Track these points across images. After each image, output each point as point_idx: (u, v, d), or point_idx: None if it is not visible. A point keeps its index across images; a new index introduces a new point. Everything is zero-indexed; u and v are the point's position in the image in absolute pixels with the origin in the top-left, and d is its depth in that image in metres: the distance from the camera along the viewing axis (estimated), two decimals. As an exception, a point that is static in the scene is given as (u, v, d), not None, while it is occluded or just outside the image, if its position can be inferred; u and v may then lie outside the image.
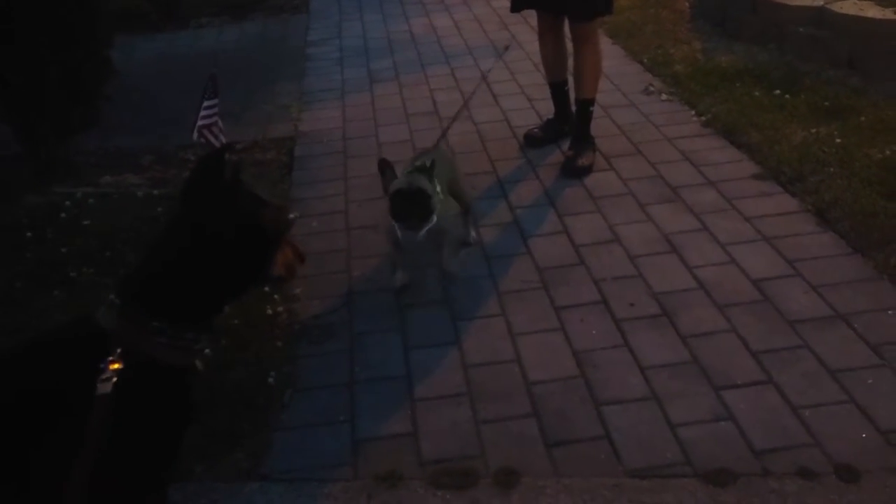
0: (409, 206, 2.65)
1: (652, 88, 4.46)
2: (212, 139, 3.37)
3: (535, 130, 3.97)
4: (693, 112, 4.12)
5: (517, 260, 3.02)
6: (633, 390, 2.35)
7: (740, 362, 2.42)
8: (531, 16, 5.90)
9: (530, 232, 3.20)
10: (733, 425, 2.20)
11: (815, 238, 2.99)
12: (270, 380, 2.44)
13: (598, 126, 3.95)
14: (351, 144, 4.12)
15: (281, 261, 1.60)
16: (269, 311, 2.73)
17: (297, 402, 2.40)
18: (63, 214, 3.41)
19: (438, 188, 2.75)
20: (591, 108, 3.74)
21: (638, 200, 3.36)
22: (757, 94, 4.17)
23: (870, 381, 2.29)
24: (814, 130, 3.73)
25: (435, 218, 2.69)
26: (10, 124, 3.82)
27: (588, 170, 3.61)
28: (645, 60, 4.85)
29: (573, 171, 3.59)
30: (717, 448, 2.13)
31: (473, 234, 3.17)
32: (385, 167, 2.72)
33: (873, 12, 4.35)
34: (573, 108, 3.82)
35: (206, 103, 3.30)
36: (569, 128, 3.87)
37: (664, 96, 4.36)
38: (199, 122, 3.30)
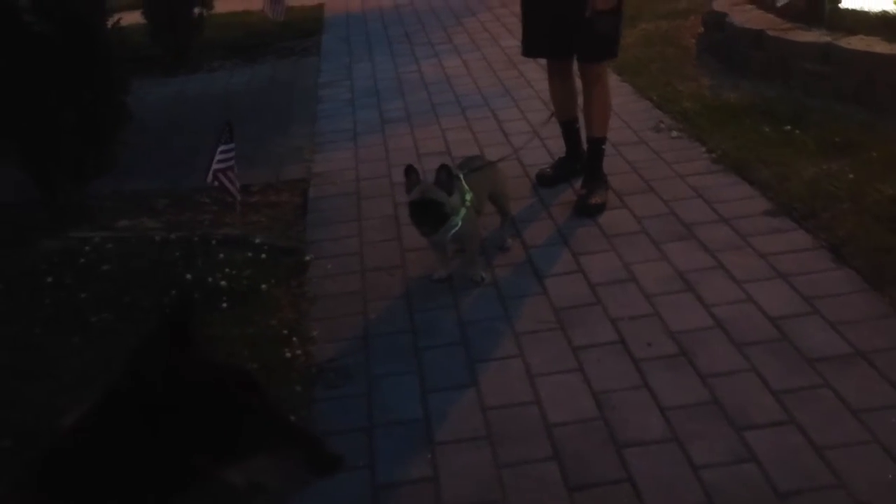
0: (423, 215, 2.98)
1: (662, 125, 4.50)
2: (226, 183, 3.42)
3: (547, 170, 4.00)
4: (703, 149, 4.15)
5: (533, 300, 3.02)
6: (654, 432, 2.33)
7: (761, 402, 2.41)
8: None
9: (545, 272, 3.20)
10: (756, 467, 2.18)
11: (831, 275, 2.98)
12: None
13: (610, 163, 3.99)
14: (364, 185, 4.15)
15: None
16: (287, 355, 2.74)
17: (316, 447, 2.39)
18: (81, 259, 3.43)
19: (469, 196, 3.05)
20: (603, 147, 3.78)
21: (652, 238, 3.37)
22: (766, 129, 4.20)
23: (893, 420, 2.28)
24: (825, 166, 3.74)
25: (455, 222, 3.00)
26: (27, 170, 3.88)
27: (601, 208, 3.63)
28: (654, 97, 4.90)
29: (586, 210, 3.61)
30: (740, 491, 2.11)
31: (509, 240, 3.41)
32: (410, 172, 3.01)
33: (881, 48, 4.38)
34: (584, 146, 3.86)
35: (221, 148, 3.36)
36: (580, 166, 3.91)
37: (674, 133, 4.39)
38: (214, 167, 3.35)
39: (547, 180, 3.94)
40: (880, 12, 4.69)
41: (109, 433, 1.07)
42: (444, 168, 2.99)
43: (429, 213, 2.96)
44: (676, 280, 3.06)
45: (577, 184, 3.83)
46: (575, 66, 3.79)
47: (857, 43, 4.49)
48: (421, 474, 2.27)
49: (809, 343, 2.63)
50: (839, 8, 4.91)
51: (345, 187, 4.15)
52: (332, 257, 3.46)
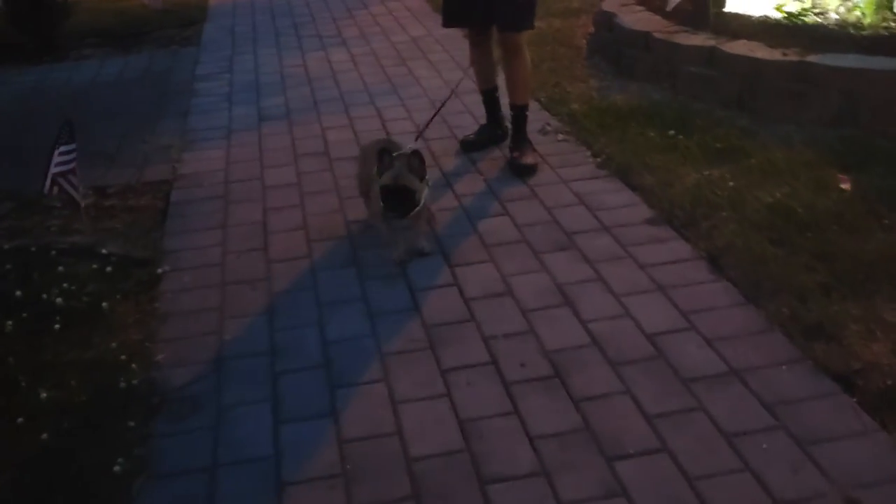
0: (395, 200, 3.00)
1: (548, 128, 4.38)
2: (67, 187, 3.08)
3: (471, 136, 4.18)
4: (589, 153, 4.04)
5: (403, 317, 2.83)
6: (521, 465, 2.17)
7: (634, 427, 2.28)
8: (430, 51, 5.84)
9: (419, 285, 3.01)
10: (625, 502, 2.05)
11: (709, 287, 2.91)
12: (117, 468, 2.15)
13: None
14: (233, 188, 3.86)
15: None
16: (123, 384, 2.45)
17: (149, 492, 2.13)
18: None
19: (428, 175, 3.09)
20: (527, 113, 3.97)
21: (532, 248, 3.22)
22: (651, 134, 4.13)
23: (764, 446, 2.19)
24: (706, 172, 3.69)
25: (420, 206, 3.05)
26: None
27: (535, 169, 3.84)
28: (542, 98, 4.78)
29: (520, 171, 3.82)
30: (608, 528, 1.98)
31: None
32: (384, 155, 3.01)
33: (762, 53, 4.39)
34: (509, 113, 4.03)
35: (60, 149, 3.02)
36: (502, 132, 4.16)
37: (560, 136, 4.28)
38: (53, 170, 3.01)
39: (470, 145, 4.13)
40: (762, 17, 4.71)
41: None
42: (416, 154, 3.01)
43: (401, 199, 2.99)
44: (555, 293, 2.92)
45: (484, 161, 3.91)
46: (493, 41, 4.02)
47: (740, 47, 4.49)
48: (266, 520, 2.04)
49: (685, 361, 2.53)
50: (724, 12, 4.91)
51: (212, 190, 3.85)
52: (190, 269, 3.17)
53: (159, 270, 3.12)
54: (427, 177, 3.10)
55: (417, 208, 3.05)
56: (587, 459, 2.18)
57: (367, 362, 2.60)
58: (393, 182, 2.97)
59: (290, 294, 3.00)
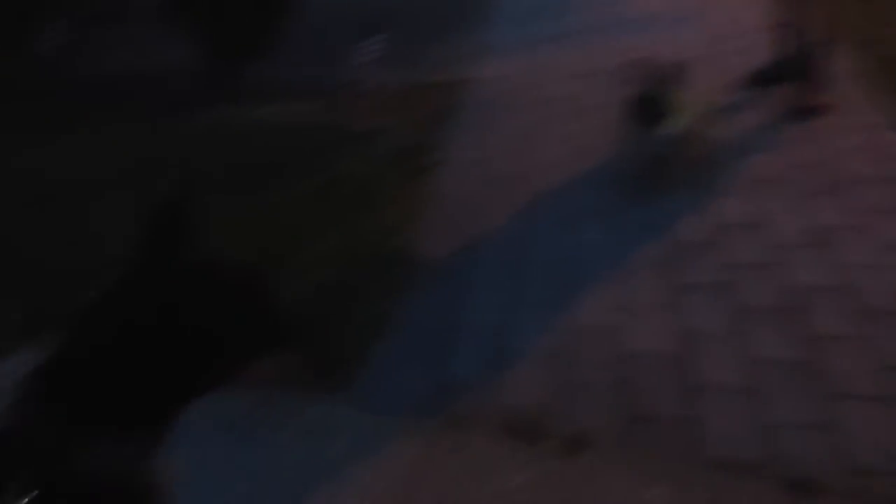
0: (646, 112, 2.99)
1: (848, 70, 4.06)
2: (369, 78, 3.51)
3: (763, 69, 3.93)
4: (888, 100, 3.72)
5: (655, 233, 2.91)
6: (738, 380, 2.23)
7: (863, 374, 2.22)
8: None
9: (676, 207, 3.05)
10: (839, 437, 2.04)
11: None
12: (375, 312, 2.55)
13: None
14: (515, 97, 4.12)
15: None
16: (386, 250, 2.85)
17: (397, 338, 2.50)
18: (235, 133, 3.69)
19: (694, 106, 3.02)
20: (827, 51, 3.68)
21: (801, 188, 3.12)
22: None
23: None
24: None
25: (672, 126, 2.96)
26: (195, 41, 4.15)
27: (824, 110, 3.62)
28: (846, 38, 4.38)
29: (808, 111, 3.62)
30: (811, 457, 1.99)
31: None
32: (640, 66, 3.01)
33: None
34: (808, 50, 3.71)
35: (366, 42, 3.45)
36: (797, 67, 3.78)
37: (859, 80, 3.97)
38: (358, 61, 3.45)
39: (762, 78, 3.91)
40: None
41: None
42: (677, 66, 2.97)
43: (651, 111, 2.98)
44: (813, 234, 2.83)
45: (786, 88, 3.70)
46: None
47: None
48: (486, 379, 2.32)
49: (940, 322, 2.38)
50: None
51: (497, 97, 4.14)
52: (463, 163, 3.50)
53: (436, 159, 3.49)
54: (698, 99, 3.03)
55: (675, 127, 3.00)
56: (807, 391, 2.18)
57: (609, 269, 2.76)
58: (644, 93, 2.97)
59: (547, 198, 3.21)
